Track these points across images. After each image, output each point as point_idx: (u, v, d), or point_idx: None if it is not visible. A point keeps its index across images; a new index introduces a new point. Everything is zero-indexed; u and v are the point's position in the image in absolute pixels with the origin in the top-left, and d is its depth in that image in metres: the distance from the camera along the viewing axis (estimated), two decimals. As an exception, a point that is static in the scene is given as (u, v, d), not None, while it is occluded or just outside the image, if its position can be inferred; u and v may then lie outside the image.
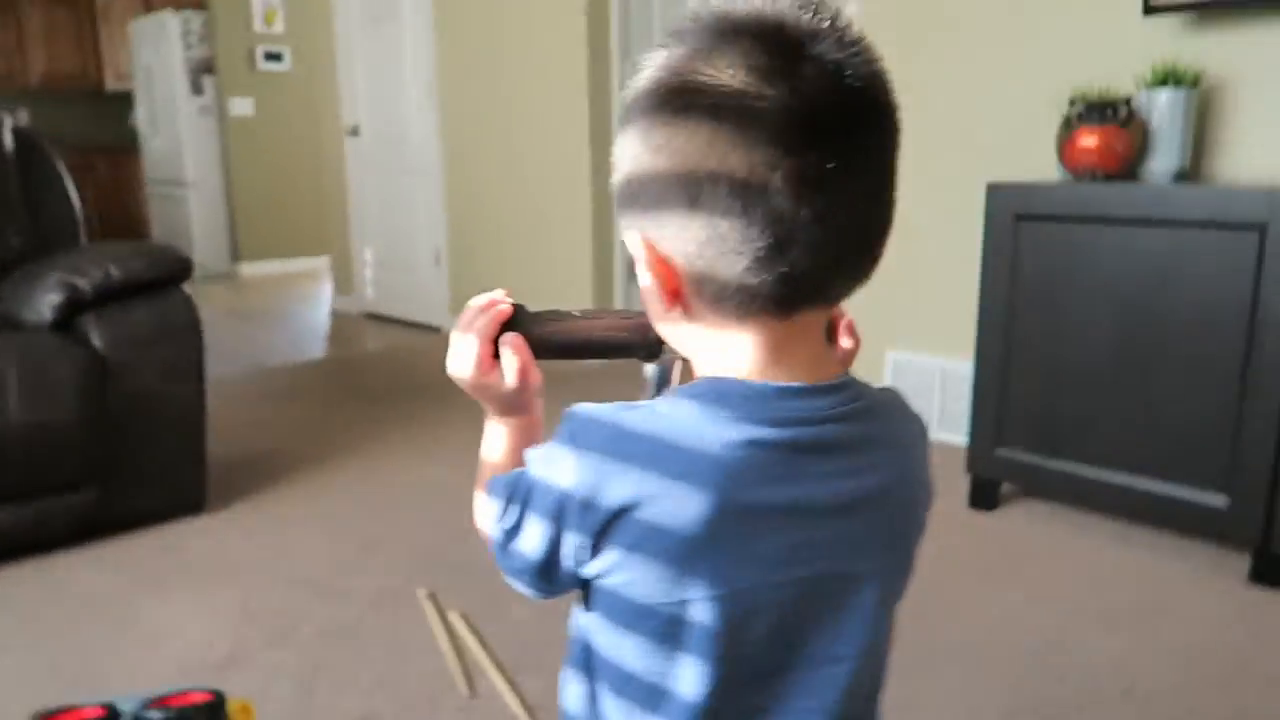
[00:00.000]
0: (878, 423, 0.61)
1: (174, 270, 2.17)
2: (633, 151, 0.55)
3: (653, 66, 0.55)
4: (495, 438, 0.72)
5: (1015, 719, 1.44)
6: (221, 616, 1.77)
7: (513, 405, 0.69)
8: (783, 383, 0.56)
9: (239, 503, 2.32)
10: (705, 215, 0.52)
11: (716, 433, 0.54)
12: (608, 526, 0.55)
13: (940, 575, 1.90)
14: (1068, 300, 2.06)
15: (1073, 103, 2.15)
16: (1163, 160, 2.13)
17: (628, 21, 3.85)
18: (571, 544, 0.57)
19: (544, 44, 3.91)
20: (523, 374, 0.67)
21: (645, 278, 0.56)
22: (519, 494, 0.60)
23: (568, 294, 4.01)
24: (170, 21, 6.50)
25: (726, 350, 0.57)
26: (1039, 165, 2.32)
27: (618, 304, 4.01)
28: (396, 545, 2.09)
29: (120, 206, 7.30)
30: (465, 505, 2.48)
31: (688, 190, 0.52)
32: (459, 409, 3.17)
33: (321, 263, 6.20)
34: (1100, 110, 2.09)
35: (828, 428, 0.57)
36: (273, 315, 5.38)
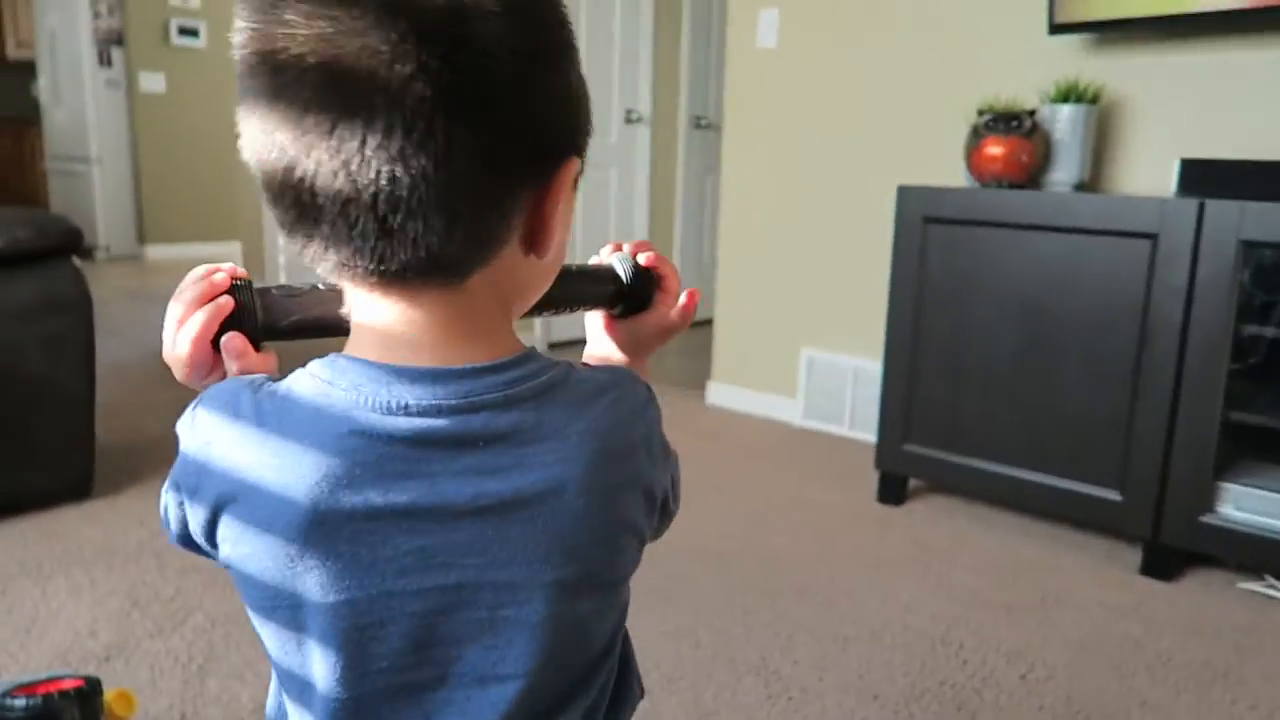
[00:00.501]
0: (549, 410, 0.53)
1: (62, 240, 2.05)
2: (245, 132, 0.53)
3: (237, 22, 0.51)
4: None
5: (918, 702, 1.47)
6: (106, 604, 1.69)
7: None
8: (406, 364, 0.52)
9: (131, 488, 2.23)
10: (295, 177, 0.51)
11: (328, 423, 0.50)
12: (214, 517, 0.53)
13: (848, 566, 1.94)
14: (972, 301, 2.11)
15: (980, 113, 2.22)
16: (1064, 170, 2.21)
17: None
18: (195, 523, 0.54)
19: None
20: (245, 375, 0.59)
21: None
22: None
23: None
24: (77, -11, 6.23)
25: (359, 315, 0.55)
26: (948, 172, 2.39)
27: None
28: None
29: (18, 180, 6.97)
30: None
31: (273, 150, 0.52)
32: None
33: (232, 247, 6.00)
34: (1006, 121, 2.15)
35: (463, 418, 0.51)
36: (178, 300, 5.18)
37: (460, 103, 0.46)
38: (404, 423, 0.50)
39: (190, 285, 0.58)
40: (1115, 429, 1.95)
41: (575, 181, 0.56)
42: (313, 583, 0.51)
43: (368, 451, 0.50)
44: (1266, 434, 2.03)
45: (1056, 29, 2.26)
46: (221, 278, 0.59)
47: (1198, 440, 1.85)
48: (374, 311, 0.53)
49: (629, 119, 4.23)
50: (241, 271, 0.60)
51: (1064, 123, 2.20)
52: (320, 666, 0.53)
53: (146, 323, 4.35)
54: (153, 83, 6.42)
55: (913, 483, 2.36)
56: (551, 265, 0.60)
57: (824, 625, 1.70)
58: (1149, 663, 1.61)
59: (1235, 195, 1.80)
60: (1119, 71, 2.30)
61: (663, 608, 1.74)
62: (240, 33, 0.49)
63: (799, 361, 2.94)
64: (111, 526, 2.02)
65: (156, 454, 2.47)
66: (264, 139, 0.49)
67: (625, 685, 0.63)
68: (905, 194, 2.20)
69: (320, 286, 0.60)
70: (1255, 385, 1.98)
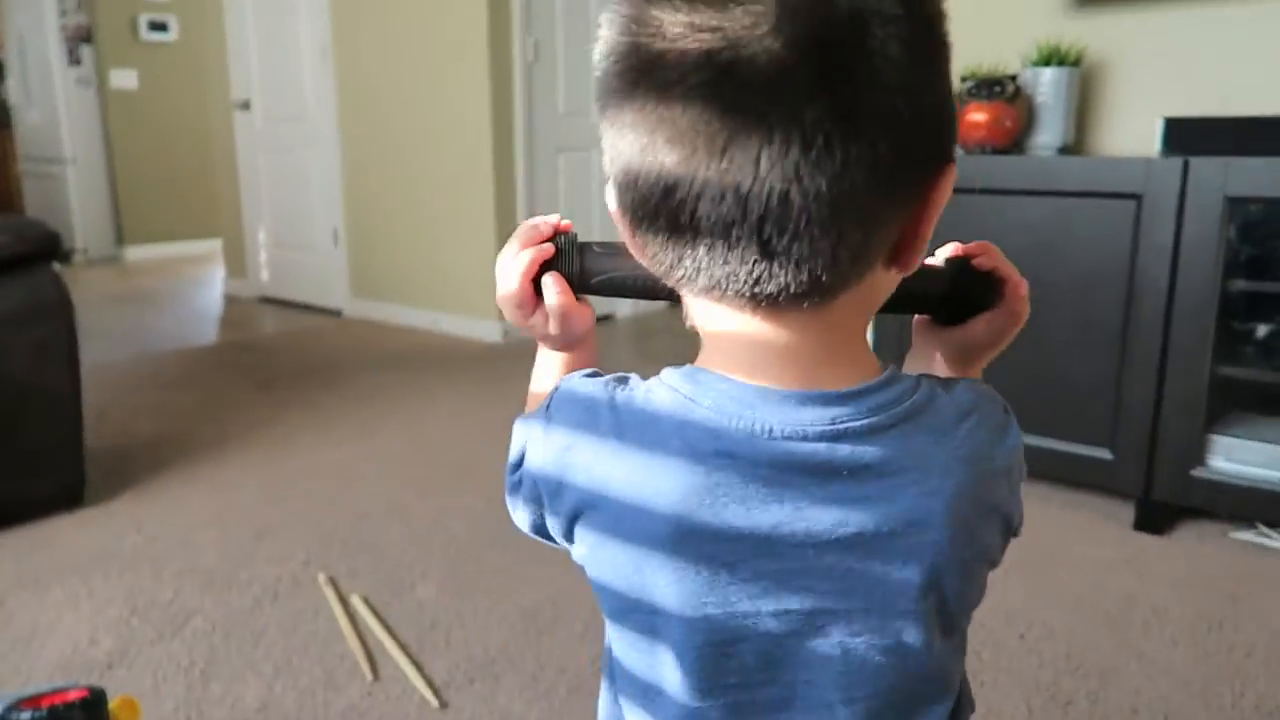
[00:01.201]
0: (913, 439, 0.51)
1: (41, 245, 2.03)
2: (609, 140, 0.50)
3: (607, 25, 0.48)
4: (543, 369, 0.69)
5: (915, 674, 1.48)
6: (106, 612, 1.69)
7: (558, 344, 0.67)
8: (772, 386, 0.50)
9: (125, 493, 2.22)
10: (685, 219, 0.49)
11: (692, 440, 0.50)
12: (572, 522, 0.54)
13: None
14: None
15: (963, 80, 2.21)
16: (1047, 134, 2.20)
17: (527, -6, 3.79)
18: (553, 526, 0.56)
19: (445, 11, 3.81)
20: (563, 319, 0.63)
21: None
22: (518, 461, 0.59)
23: (474, 270, 3.94)
24: (42, -14, 6.13)
25: (714, 334, 0.53)
26: (932, 137, 2.38)
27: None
28: (294, 531, 2.03)
29: (-10, 186, 6.87)
30: (366, 487, 2.44)
31: (660, 184, 0.49)
32: (357, 391, 3.11)
33: (213, 245, 5.95)
34: (989, 87, 2.14)
35: (828, 445, 0.49)
36: (161, 300, 5.14)
37: (860, 116, 0.43)
38: (769, 446, 0.49)
39: (521, 231, 0.62)
40: (1105, 389, 1.96)
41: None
42: (671, 595, 0.51)
43: (732, 472, 0.49)
44: (1254, 386, 2.04)
45: (1034, -10, 2.25)
46: (547, 226, 0.62)
47: (1187, 396, 1.86)
48: (735, 326, 0.50)
49: (607, 98, 4.19)
50: (566, 224, 0.63)
51: (1046, 86, 2.19)
52: (672, 674, 0.53)
53: (130, 325, 4.32)
54: (124, 79, 6.34)
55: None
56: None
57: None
58: (1145, 617, 1.63)
59: (1219, 152, 1.80)
60: (1100, 33, 2.29)
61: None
62: (609, 37, 0.46)
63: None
64: (106, 533, 2.01)
65: (148, 456, 2.46)
66: (639, 157, 0.46)
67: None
68: (888, 163, 2.19)
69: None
70: (1242, 339, 2.00)
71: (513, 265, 0.62)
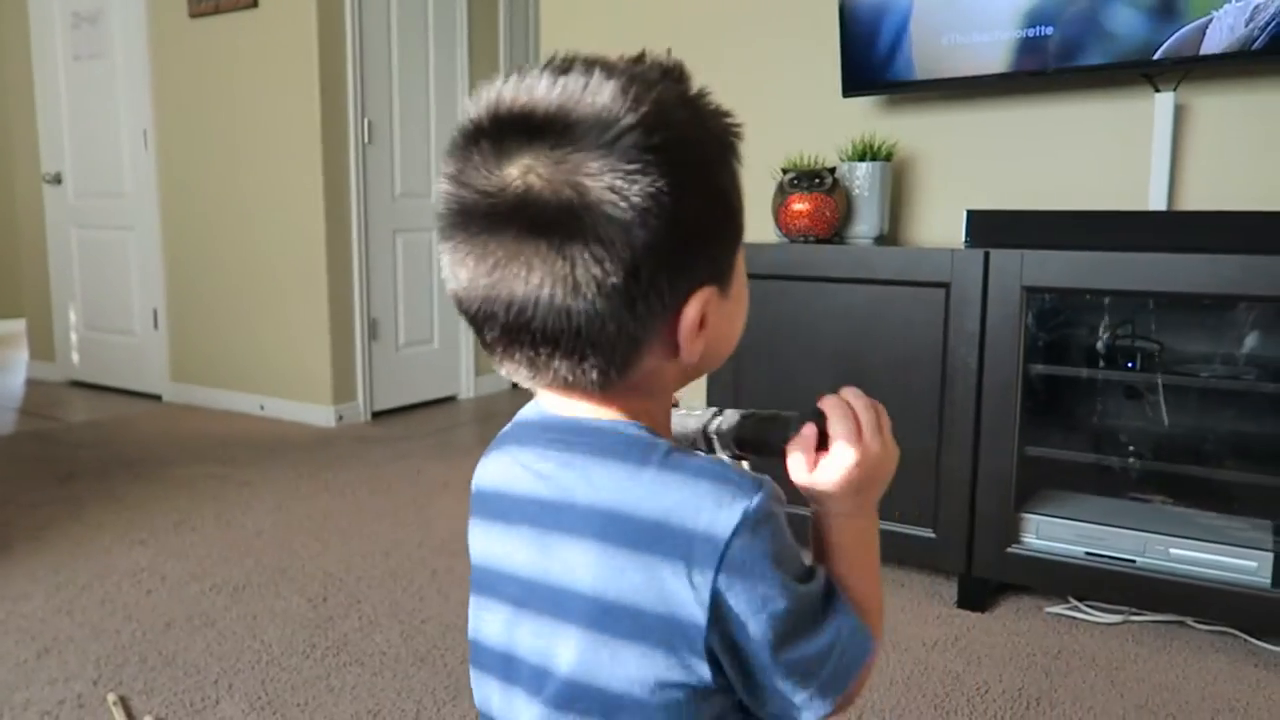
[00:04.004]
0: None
1: None
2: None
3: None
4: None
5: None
6: None
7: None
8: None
9: (-120, 609, 1.95)
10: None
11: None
12: None
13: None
14: (787, 352, 2.17)
15: (785, 171, 2.30)
16: (865, 224, 2.32)
17: (362, 73, 3.75)
18: None
19: (275, 93, 3.71)
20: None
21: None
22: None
23: (306, 354, 3.78)
24: None
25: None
26: (758, 228, 2.46)
27: (358, 365, 3.83)
28: (84, 645, 1.83)
29: None
30: (170, 592, 2.25)
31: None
32: (169, 483, 2.89)
33: (15, 326, 5.49)
34: (809, 179, 2.24)
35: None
36: (-48, 386, 4.67)
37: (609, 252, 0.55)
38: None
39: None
40: (925, 469, 2.03)
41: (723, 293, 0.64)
42: None
43: None
44: (1059, 465, 2.17)
45: (849, 92, 2.39)
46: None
47: (998, 475, 1.96)
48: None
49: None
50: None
51: (862, 179, 2.31)
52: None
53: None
54: (-81, 148, 5.85)
55: (744, 534, 2.38)
56: (714, 345, 0.65)
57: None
58: (969, 696, 1.66)
59: (1018, 244, 1.93)
60: (910, 130, 2.46)
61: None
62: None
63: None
64: None
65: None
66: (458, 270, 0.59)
67: None
68: (718, 251, 2.24)
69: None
70: (1045, 420, 2.12)
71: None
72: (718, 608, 0.56)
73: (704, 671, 0.57)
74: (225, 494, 2.81)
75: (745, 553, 0.56)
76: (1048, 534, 1.96)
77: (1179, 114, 2.13)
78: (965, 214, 2.21)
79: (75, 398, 4.37)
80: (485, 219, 0.55)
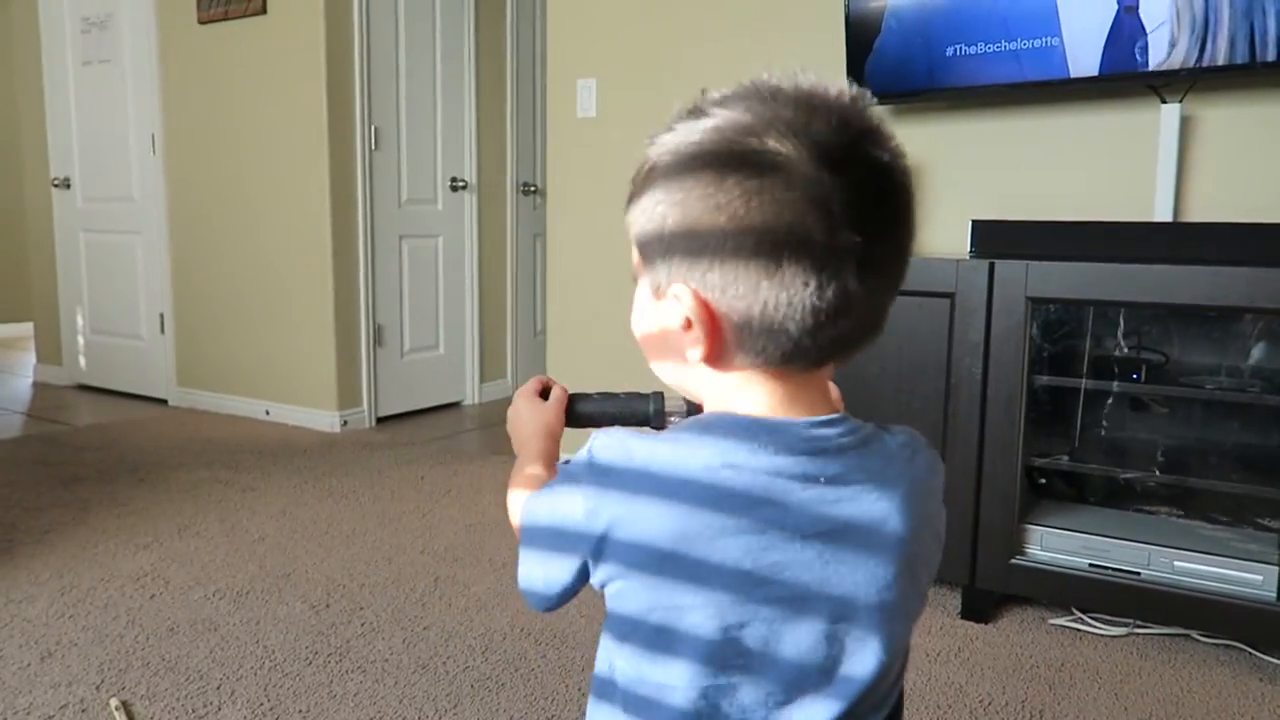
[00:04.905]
0: (873, 459, 0.62)
1: None
2: (682, 205, 0.56)
3: (705, 128, 0.57)
4: (528, 471, 0.79)
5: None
6: None
7: (552, 455, 0.81)
8: (790, 417, 0.61)
9: (-115, 612, 1.96)
10: (782, 278, 0.54)
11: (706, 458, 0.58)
12: (600, 547, 0.60)
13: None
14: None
15: (792, 178, 2.31)
16: (871, 233, 2.32)
17: (369, 79, 3.77)
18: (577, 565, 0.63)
19: (282, 100, 3.73)
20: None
21: (679, 332, 0.59)
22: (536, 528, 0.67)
23: (312, 358, 3.79)
24: None
25: (741, 391, 0.61)
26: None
27: (364, 370, 3.83)
28: (88, 649, 1.83)
29: None
30: (174, 596, 2.25)
31: (770, 253, 0.54)
32: (174, 488, 2.89)
33: (22, 329, 5.51)
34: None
35: (817, 459, 0.59)
36: (-41, 388, 4.69)
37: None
38: (784, 461, 0.60)
39: (530, 384, 0.86)
40: (930, 480, 2.02)
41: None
42: (685, 590, 0.62)
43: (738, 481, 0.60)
44: (1063, 476, 2.17)
45: (854, 101, 2.39)
46: (539, 383, 0.85)
47: (1002, 487, 1.95)
48: (773, 382, 0.62)
49: (454, 187, 4.19)
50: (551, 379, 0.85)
51: (866, 189, 2.31)
52: (679, 672, 0.61)
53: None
54: (-71, 152, 5.88)
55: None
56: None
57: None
58: (972, 708, 1.66)
59: (1022, 255, 1.93)
60: (914, 139, 2.46)
61: (495, 697, 1.66)
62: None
63: (633, 426, 2.94)
64: None
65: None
66: None
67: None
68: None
69: (596, 395, 0.86)
70: (1049, 431, 2.12)
71: (550, 406, 0.82)
72: None
73: None
74: (229, 499, 2.82)
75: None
76: (1052, 545, 1.96)
77: (1185, 125, 2.13)
78: (970, 224, 2.21)
79: (82, 401, 4.38)
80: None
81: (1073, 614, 2.02)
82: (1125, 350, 2.11)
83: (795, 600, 0.58)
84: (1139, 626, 1.96)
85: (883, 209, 0.56)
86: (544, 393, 0.83)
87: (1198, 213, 2.16)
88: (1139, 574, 1.87)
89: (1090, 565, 1.91)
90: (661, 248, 0.59)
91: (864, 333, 0.59)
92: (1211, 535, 1.93)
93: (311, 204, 3.69)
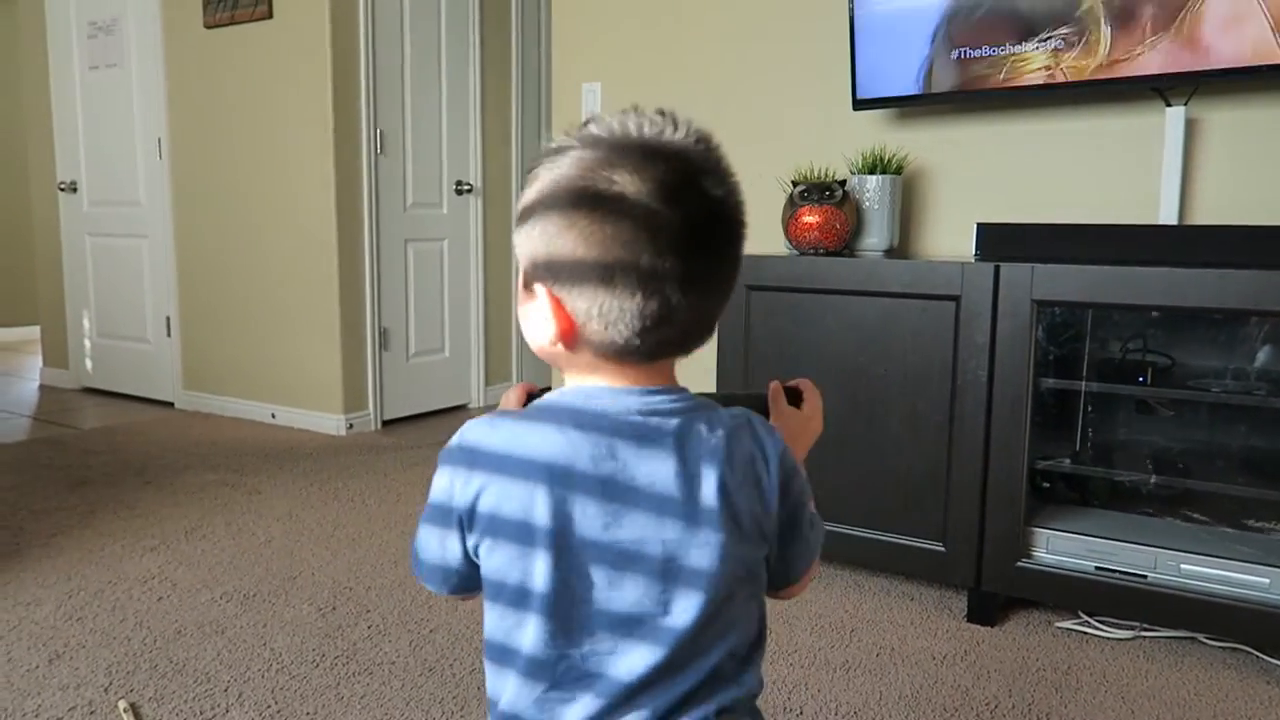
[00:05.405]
0: (697, 418, 0.73)
1: None
2: (552, 233, 0.68)
3: (568, 165, 0.68)
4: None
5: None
6: None
7: None
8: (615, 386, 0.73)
9: (-106, 615, 1.96)
10: (614, 291, 0.67)
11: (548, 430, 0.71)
12: (469, 518, 0.72)
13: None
14: (796, 365, 2.17)
15: (795, 184, 2.31)
16: (875, 236, 2.32)
17: (375, 83, 3.78)
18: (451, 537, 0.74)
19: (288, 103, 3.74)
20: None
21: (542, 320, 0.71)
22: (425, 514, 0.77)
23: (318, 361, 3.80)
24: None
25: (593, 372, 0.73)
26: (768, 240, 2.47)
27: (369, 374, 3.84)
28: (95, 652, 1.83)
29: None
30: (181, 599, 2.26)
31: (605, 272, 0.67)
32: (180, 491, 2.90)
33: (28, 333, 5.53)
34: (819, 192, 2.25)
35: (640, 420, 0.71)
36: (-34, 392, 4.71)
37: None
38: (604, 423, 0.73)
39: (515, 389, 0.88)
40: (935, 483, 2.03)
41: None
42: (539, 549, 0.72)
43: (578, 443, 0.71)
44: (1069, 479, 2.16)
45: (860, 105, 2.40)
46: (522, 390, 0.88)
47: (1008, 490, 1.95)
48: (616, 369, 0.73)
49: (459, 190, 4.20)
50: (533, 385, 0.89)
51: (872, 192, 2.32)
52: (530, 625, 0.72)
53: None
54: (-64, 156, 5.91)
55: (752, 545, 2.38)
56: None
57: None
58: (978, 710, 1.66)
59: (1028, 257, 1.93)
60: (919, 143, 2.46)
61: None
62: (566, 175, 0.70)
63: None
64: None
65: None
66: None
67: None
68: (728, 262, 2.25)
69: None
70: (1055, 435, 2.12)
71: (511, 396, 0.89)
72: None
73: None
74: (236, 502, 2.82)
75: None
76: (1058, 548, 1.96)
77: (1190, 128, 2.13)
78: (975, 227, 2.22)
79: (88, 404, 4.39)
80: None
81: (1079, 617, 2.02)
82: (1131, 353, 2.11)
83: (622, 556, 0.70)
84: (1145, 630, 1.96)
85: (710, 236, 0.69)
86: (531, 397, 0.88)
87: (1203, 215, 2.16)
88: (1145, 577, 1.87)
89: (1096, 568, 1.91)
90: (531, 263, 0.71)
91: (690, 336, 0.72)
92: (1218, 538, 1.92)
93: (317, 207, 3.70)
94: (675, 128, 0.70)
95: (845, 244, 2.26)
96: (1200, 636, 1.93)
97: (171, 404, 4.31)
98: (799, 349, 2.17)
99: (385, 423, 3.95)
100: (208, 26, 3.93)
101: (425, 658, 1.82)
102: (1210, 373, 2.05)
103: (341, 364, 3.74)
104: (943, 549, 2.03)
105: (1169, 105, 2.11)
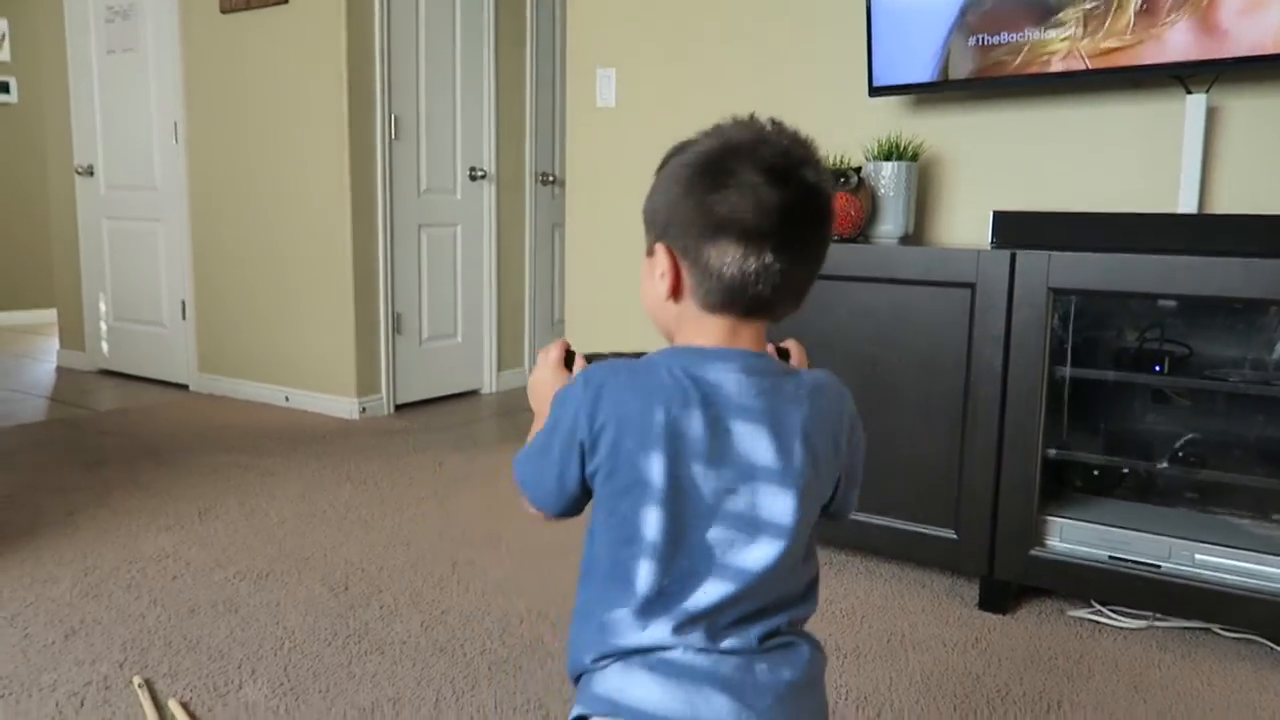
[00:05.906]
0: (785, 383, 0.84)
1: None
2: (674, 200, 0.82)
3: (692, 153, 0.82)
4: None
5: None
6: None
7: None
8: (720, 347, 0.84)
9: (-87, 589, 1.99)
10: (719, 247, 0.79)
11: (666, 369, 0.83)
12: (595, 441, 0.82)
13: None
14: (812, 351, 2.16)
15: (812, 168, 2.30)
16: (890, 223, 2.31)
17: (389, 69, 3.78)
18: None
19: (303, 88, 3.75)
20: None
21: (658, 275, 0.84)
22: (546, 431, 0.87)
23: (332, 345, 3.81)
24: None
25: (694, 322, 0.84)
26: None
27: (382, 358, 3.85)
28: (111, 628, 1.85)
29: None
30: (195, 577, 2.28)
31: (714, 231, 0.79)
32: (195, 472, 2.92)
33: (46, 315, 5.57)
34: (835, 178, 2.24)
35: (739, 376, 0.82)
36: (-16, 373, 4.75)
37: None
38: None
39: (555, 344, 1.00)
40: (948, 471, 2.02)
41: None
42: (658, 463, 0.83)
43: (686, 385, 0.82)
44: (1083, 468, 2.15)
45: (875, 92, 2.38)
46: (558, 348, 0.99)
47: (1021, 478, 1.94)
48: (718, 323, 0.84)
49: (473, 176, 4.20)
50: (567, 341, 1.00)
51: (887, 179, 2.31)
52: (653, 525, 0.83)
53: (-56, 400, 3.96)
54: (-45, 140, 5.96)
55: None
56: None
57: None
58: (989, 697, 1.66)
59: (1044, 245, 1.92)
60: (936, 130, 2.44)
61: (512, 679, 1.67)
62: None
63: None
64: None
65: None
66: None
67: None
68: (743, 248, 2.24)
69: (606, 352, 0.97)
70: (1069, 423, 2.11)
71: (552, 352, 0.99)
72: None
73: None
74: (249, 483, 2.84)
75: None
76: (1071, 537, 1.95)
77: (1211, 116, 2.10)
78: (992, 214, 2.20)
79: (104, 386, 4.42)
80: None
81: (1092, 606, 2.01)
82: (1148, 342, 2.09)
83: (729, 467, 0.81)
84: (1158, 619, 1.95)
85: (805, 213, 0.80)
86: (567, 357, 0.98)
87: (1223, 204, 2.14)
88: (1159, 566, 1.86)
89: (1110, 557, 1.90)
90: (652, 225, 0.86)
91: (779, 297, 0.82)
92: (1233, 528, 1.91)
93: (331, 192, 3.71)
94: (783, 130, 0.83)
95: (860, 231, 2.25)
96: (1214, 627, 1.92)
97: (186, 387, 4.34)
98: (812, 335, 2.14)
99: (398, 407, 3.96)
100: (224, 11, 3.94)
101: (436, 638, 1.83)
102: (1228, 362, 2.03)
103: (355, 348, 3.76)
104: (955, 536, 2.02)
105: (1189, 93, 2.09)
